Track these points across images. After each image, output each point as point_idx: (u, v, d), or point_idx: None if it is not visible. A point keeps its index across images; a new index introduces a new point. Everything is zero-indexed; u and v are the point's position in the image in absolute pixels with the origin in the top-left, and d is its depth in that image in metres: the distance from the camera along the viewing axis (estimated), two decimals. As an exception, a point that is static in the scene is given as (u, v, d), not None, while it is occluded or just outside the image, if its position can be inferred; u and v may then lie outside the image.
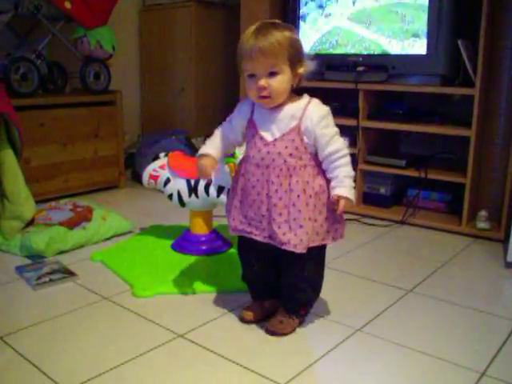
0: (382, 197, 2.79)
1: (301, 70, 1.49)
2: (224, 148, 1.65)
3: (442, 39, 2.50)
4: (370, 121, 2.77)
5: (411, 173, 2.67)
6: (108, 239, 2.39)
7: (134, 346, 1.54)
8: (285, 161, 1.49)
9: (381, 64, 2.70)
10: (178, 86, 3.68)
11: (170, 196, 2.16)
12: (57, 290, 1.90)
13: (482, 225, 2.51)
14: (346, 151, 1.50)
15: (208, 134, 3.62)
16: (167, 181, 2.15)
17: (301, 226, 1.48)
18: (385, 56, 2.70)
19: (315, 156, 1.52)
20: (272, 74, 1.44)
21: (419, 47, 2.58)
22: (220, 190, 2.07)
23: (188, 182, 2.11)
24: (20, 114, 2.39)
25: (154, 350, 1.52)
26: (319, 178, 1.52)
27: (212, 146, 1.62)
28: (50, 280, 1.94)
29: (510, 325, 1.71)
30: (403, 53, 2.64)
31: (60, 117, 2.96)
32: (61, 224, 2.27)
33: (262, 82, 1.44)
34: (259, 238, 1.55)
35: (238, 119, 1.61)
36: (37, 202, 2.39)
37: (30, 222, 2.31)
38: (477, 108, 2.43)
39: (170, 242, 2.29)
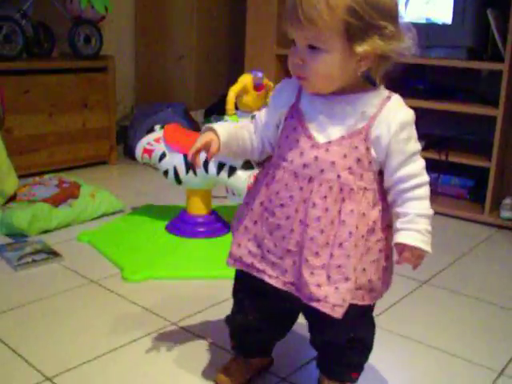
0: (398, 181, 2.80)
1: (361, 49, 1.07)
2: (238, 145, 1.27)
3: (470, 7, 2.50)
4: (387, 96, 2.77)
5: (431, 155, 2.67)
6: (96, 219, 2.41)
7: (122, 333, 1.57)
8: (339, 176, 1.13)
9: (401, 34, 2.69)
10: (176, 54, 3.68)
11: (166, 172, 2.18)
12: (40, 271, 1.93)
13: (506, 214, 2.52)
14: (426, 178, 1.15)
15: (209, 107, 3.62)
16: (162, 156, 2.17)
17: (346, 279, 1.13)
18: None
19: (379, 178, 1.17)
20: (313, 49, 1.09)
21: (444, 16, 2.57)
22: (220, 166, 2.08)
23: (185, 157, 2.12)
24: (2, 79, 2.41)
25: (144, 338, 1.55)
26: (376, 211, 1.16)
27: (224, 128, 1.25)
28: (33, 261, 1.97)
29: (533, 322, 1.74)
30: (426, 22, 2.64)
31: (46, 83, 2.97)
32: (45, 201, 2.30)
33: (296, 58, 1.12)
34: (275, 283, 1.20)
35: (274, 106, 1.26)
36: (20, 177, 2.42)
37: (12, 198, 2.33)
38: (505, 85, 2.44)
39: (164, 223, 2.31)
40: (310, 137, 1.17)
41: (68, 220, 2.32)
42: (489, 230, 2.52)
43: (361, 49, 1.07)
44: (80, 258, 2.04)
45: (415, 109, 2.83)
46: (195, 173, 2.13)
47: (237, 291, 1.35)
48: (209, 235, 2.20)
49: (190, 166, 2.12)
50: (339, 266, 1.13)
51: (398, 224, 1.15)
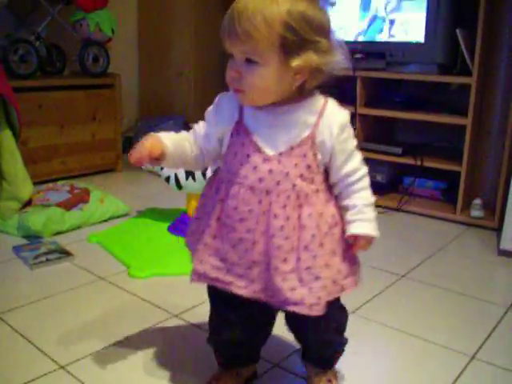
0: (378, 184, 2.79)
1: (296, 64, 1.02)
2: (180, 156, 1.17)
3: (441, 28, 2.51)
4: (367, 108, 2.77)
5: (407, 160, 2.68)
6: (105, 221, 2.40)
7: (129, 326, 1.55)
8: (294, 185, 1.08)
9: (379, 51, 2.70)
10: (176, 71, 3.67)
11: (167, 179, 2.17)
12: (54, 269, 1.91)
13: (476, 213, 2.52)
14: (366, 170, 1.14)
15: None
16: (164, 164, 2.16)
17: (317, 278, 1.09)
18: (383, 43, 2.70)
19: (326, 177, 1.14)
20: (250, 62, 1.03)
21: (417, 35, 2.58)
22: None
23: (185, 165, 2.12)
24: (18, 95, 2.38)
25: (149, 330, 1.54)
26: (331, 206, 1.13)
27: (168, 137, 1.16)
28: (47, 260, 1.95)
29: (501, 311, 1.73)
30: (401, 40, 2.64)
31: (58, 99, 2.95)
32: (58, 205, 2.28)
33: (233, 71, 1.05)
34: (245, 293, 1.12)
35: (215, 122, 1.16)
36: (34, 184, 2.40)
37: (28, 203, 2.31)
38: (473, 97, 2.44)
39: (166, 225, 2.30)
40: (259, 150, 1.09)
41: (79, 223, 2.30)
42: (460, 228, 2.51)
43: (296, 63, 1.02)
44: (90, 257, 2.03)
45: (393, 119, 2.84)
46: (194, 179, 2.12)
47: (215, 309, 1.26)
48: (207, 235, 2.19)
49: (189, 173, 2.12)
50: (308, 268, 1.08)
51: (349, 216, 1.12)
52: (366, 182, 1.13)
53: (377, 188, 2.88)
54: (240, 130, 1.12)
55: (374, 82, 2.80)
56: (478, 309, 1.76)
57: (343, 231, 1.13)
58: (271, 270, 1.08)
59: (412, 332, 1.58)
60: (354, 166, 1.11)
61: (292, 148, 1.08)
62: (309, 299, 1.08)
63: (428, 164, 2.63)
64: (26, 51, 2.80)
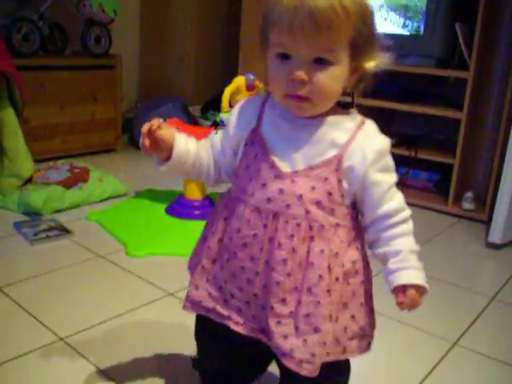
0: (372, 173, 2.84)
1: (368, 65, 0.91)
2: (194, 165, 1.02)
3: (440, 21, 2.55)
4: (363, 98, 2.82)
5: (401, 151, 2.73)
6: (104, 200, 2.45)
7: (126, 302, 1.61)
8: (307, 211, 0.90)
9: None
10: (177, 55, 3.70)
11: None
12: (53, 246, 1.97)
13: (467, 205, 2.59)
14: (409, 212, 0.96)
15: (205, 103, 3.65)
16: (164, 146, 2.21)
17: (316, 330, 0.90)
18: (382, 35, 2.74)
19: (353, 212, 0.95)
20: (320, 63, 0.85)
21: (416, 28, 2.62)
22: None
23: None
24: (20, 73, 2.42)
25: (144, 307, 1.60)
26: (353, 250, 0.95)
27: (187, 141, 1.01)
28: (47, 236, 2.01)
29: (485, 300, 1.81)
30: (400, 33, 2.68)
31: (59, 79, 2.99)
32: (58, 183, 2.33)
33: (301, 74, 0.85)
34: (242, 330, 0.98)
35: (233, 130, 1.00)
36: (35, 162, 2.44)
37: (29, 180, 2.36)
38: (469, 91, 2.49)
39: (164, 206, 2.36)
40: (272, 166, 0.92)
41: (78, 201, 2.35)
42: (451, 220, 2.58)
43: (369, 64, 0.90)
44: (89, 235, 2.08)
45: (389, 110, 2.85)
46: (193, 162, 2.17)
47: (198, 334, 1.14)
48: (203, 217, 2.24)
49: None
50: (307, 315, 0.90)
51: (392, 264, 0.93)
52: (411, 226, 0.95)
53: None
54: (255, 139, 0.95)
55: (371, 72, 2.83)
56: (464, 298, 1.83)
57: (364, 285, 0.97)
58: (267, 308, 0.93)
59: (397, 318, 1.63)
60: (396, 205, 0.93)
61: (311, 168, 0.91)
62: (300, 353, 0.91)
63: (422, 155, 2.69)
64: (29, 30, 2.82)
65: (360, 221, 0.97)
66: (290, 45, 0.85)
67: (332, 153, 0.91)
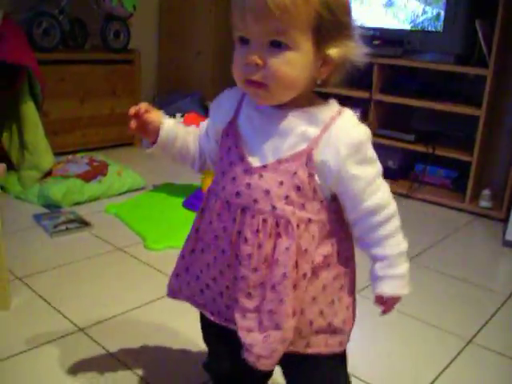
0: (390, 170, 2.84)
1: (333, 53, 0.84)
2: (181, 148, 1.04)
3: (460, 18, 2.54)
4: (382, 94, 2.82)
5: (419, 148, 2.73)
6: (122, 194, 2.48)
7: (144, 294, 1.64)
8: (274, 207, 0.87)
9: (397, 39, 2.74)
10: (194, 49, 3.72)
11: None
12: (73, 238, 2.00)
13: (484, 203, 2.58)
14: (395, 206, 0.91)
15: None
16: (182, 141, 2.23)
17: (277, 327, 0.88)
18: (401, 31, 2.74)
19: (331, 206, 0.91)
20: (276, 46, 0.82)
21: (436, 24, 2.61)
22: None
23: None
24: (41, 68, 2.46)
25: (163, 299, 1.62)
26: (327, 244, 0.91)
27: (175, 123, 1.03)
28: (67, 228, 2.04)
29: (501, 298, 1.80)
30: (420, 29, 2.68)
31: (79, 73, 3.02)
32: (78, 176, 2.37)
33: (255, 57, 0.82)
34: (216, 319, 0.99)
35: (213, 121, 0.99)
36: (55, 155, 2.48)
37: (48, 173, 2.40)
38: (488, 88, 2.48)
39: (181, 200, 2.38)
40: (242, 159, 0.90)
41: (97, 194, 2.39)
42: (468, 217, 2.57)
43: (333, 51, 0.84)
44: (107, 227, 2.11)
45: (408, 107, 2.83)
46: (210, 157, 2.19)
47: (204, 334, 1.14)
48: (220, 212, 2.27)
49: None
50: (270, 311, 0.88)
51: (378, 270, 0.91)
52: (397, 222, 0.91)
53: (388, 174, 2.94)
54: (230, 131, 0.93)
55: (390, 68, 2.84)
56: (479, 296, 1.83)
57: (340, 280, 0.94)
58: (233, 301, 0.93)
59: (413, 314, 1.65)
60: (378, 201, 0.89)
61: (280, 162, 0.87)
62: (259, 349, 0.89)
63: (440, 152, 2.68)
64: (50, 25, 2.86)
65: (343, 215, 0.93)
66: (243, 27, 0.83)
67: (302, 146, 0.87)
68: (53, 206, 2.25)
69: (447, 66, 2.62)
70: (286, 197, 0.87)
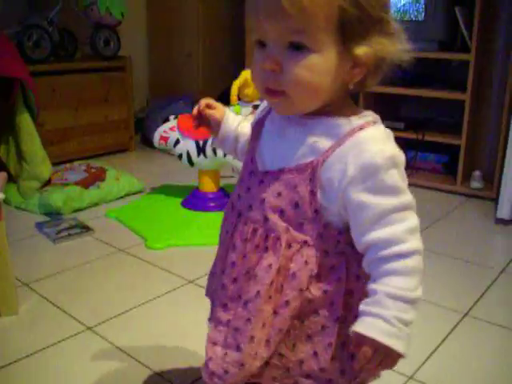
0: (382, 158, 2.89)
1: (363, 52, 0.72)
2: (237, 142, 0.99)
3: (440, 6, 2.59)
4: (370, 85, 2.86)
5: (409, 135, 2.78)
6: (121, 198, 2.52)
7: (149, 291, 1.69)
8: (266, 218, 0.79)
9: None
10: (185, 52, 3.76)
11: (180, 156, 2.29)
12: (75, 243, 2.05)
13: (475, 184, 2.63)
14: (414, 246, 0.74)
15: (215, 98, 3.70)
16: (177, 142, 2.28)
17: (238, 348, 0.81)
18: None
19: (342, 235, 0.79)
20: (295, 48, 0.71)
21: (417, 14, 2.66)
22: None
23: (197, 142, 2.23)
24: (34, 79, 2.49)
25: (167, 295, 1.67)
26: (332, 279, 0.79)
27: (236, 119, 0.99)
28: (69, 234, 2.08)
29: (495, 273, 1.86)
30: (402, 19, 2.73)
31: (71, 82, 3.06)
32: (76, 183, 2.41)
33: (267, 62, 0.73)
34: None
35: (255, 117, 0.92)
36: (52, 165, 2.52)
37: (47, 182, 2.44)
38: (472, 73, 2.53)
39: (180, 200, 2.43)
40: (252, 161, 0.84)
41: (97, 200, 2.43)
42: (460, 199, 2.62)
43: (362, 50, 0.72)
44: (109, 231, 2.16)
45: (396, 96, 2.85)
46: (205, 156, 2.23)
47: None
48: (218, 209, 2.30)
49: (200, 150, 2.23)
50: (236, 329, 0.81)
51: (360, 305, 0.74)
52: (409, 264, 0.74)
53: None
54: (255, 130, 0.88)
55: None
56: (474, 272, 1.88)
57: (345, 325, 0.78)
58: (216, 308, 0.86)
59: (410, 294, 1.70)
60: (388, 235, 0.73)
61: (282, 171, 0.78)
62: (214, 365, 0.83)
63: (429, 138, 2.73)
64: (40, 36, 2.90)
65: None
66: (258, 28, 0.73)
67: (309, 158, 0.76)
68: (54, 214, 2.29)
69: (431, 53, 2.66)
70: (281, 211, 0.78)
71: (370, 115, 0.79)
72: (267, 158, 0.82)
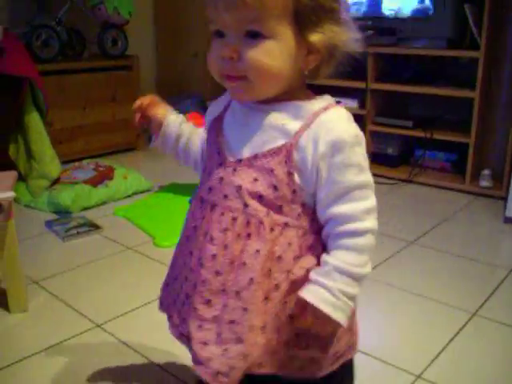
0: (390, 156, 2.89)
1: (316, 39, 0.77)
2: (184, 144, 1.00)
3: (449, 3, 2.58)
4: (378, 83, 2.87)
5: (418, 133, 2.77)
6: (129, 196, 2.53)
7: (157, 289, 1.68)
8: (246, 205, 0.80)
9: (389, 27, 2.78)
10: (192, 51, 3.77)
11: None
12: (84, 241, 2.06)
13: (484, 183, 2.62)
14: (369, 225, 0.80)
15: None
16: (184, 140, 2.28)
17: (238, 340, 0.80)
18: (393, 19, 2.79)
19: (313, 213, 0.82)
20: (252, 36, 0.76)
21: (426, 10, 2.66)
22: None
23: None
24: (42, 78, 2.51)
25: (176, 293, 1.68)
26: (311, 257, 0.82)
27: (182, 120, 1.01)
28: (78, 233, 2.10)
29: (504, 272, 1.85)
30: (410, 16, 2.72)
31: (79, 82, 3.08)
32: (85, 182, 2.43)
33: (228, 50, 0.76)
34: (174, 333, 0.93)
35: (207, 118, 0.93)
36: (61, 163, 2.54)
37: (56, 181, 2.46)
38: (481, 70, 2.53)
39: (187, 198, 2.41)
40: (219, 153, 0.84)
41: (105, 198, 2.44)
42: (469, 198, 2.61)
43: (315, 37, 0.76)
44: (117, 229, 2.17)
45: (404, 94, 2.86)
46: (213, 154, 2.24)
47: None
48: (226, 208, 2.31)
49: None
50: (232, 322, 0.80)
51: (311, 274, 0.79)
52: (362, 242, 0.79)
53: (389, 161, 2.98)
54: (214, 125, 0.89)
55: (384, 57, 2.88)
56: (483, 271, 1.88)
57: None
58: (191, 309, 0.84)
59: (417, 292, 1.70)
60: (347, 212, 0.78)
61: (256, 157, 0.80)
62: (218, 363, 0.80)
63: (438, 136, 2.72)
64: (48, 36, 2.91)
65: None
66: (216, 19, 0.77)
67: (281, 142, 0.79)
68: (63, 212, 2.30)
69: (440, 51, 2.66)
70: (260, 196, 0.79)
71: (328, 97, 0.83)
72: (235, 148, 0.83)
